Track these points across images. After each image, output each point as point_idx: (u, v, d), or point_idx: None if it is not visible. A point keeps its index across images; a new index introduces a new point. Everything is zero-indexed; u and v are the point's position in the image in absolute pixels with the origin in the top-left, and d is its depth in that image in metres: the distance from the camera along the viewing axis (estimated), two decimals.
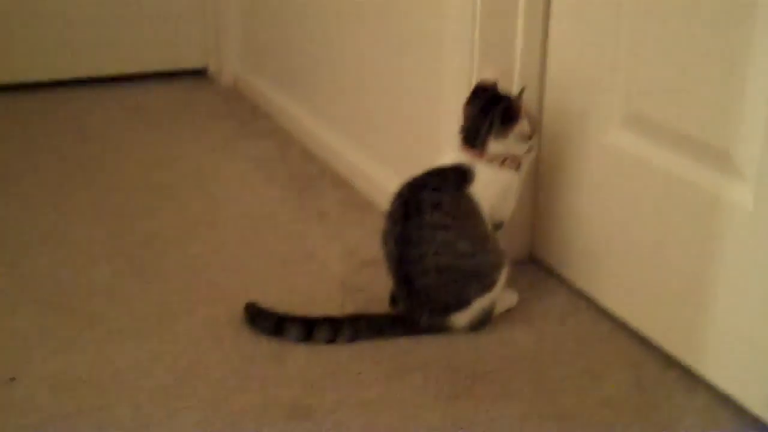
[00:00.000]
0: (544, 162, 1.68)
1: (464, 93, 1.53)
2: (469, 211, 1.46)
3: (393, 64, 1.93)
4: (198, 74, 2.89)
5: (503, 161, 1.48)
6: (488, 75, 1.53)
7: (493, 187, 1.48)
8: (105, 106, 2.62)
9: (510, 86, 1.61)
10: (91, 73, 2.78)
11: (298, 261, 1.74)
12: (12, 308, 1.56)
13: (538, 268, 1.73)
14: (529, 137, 1.49)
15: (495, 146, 1.47)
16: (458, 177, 1.47)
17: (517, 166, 1.50)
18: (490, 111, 1.46)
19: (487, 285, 1.47)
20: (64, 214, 1.92)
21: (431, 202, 1.44)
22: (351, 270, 1.71)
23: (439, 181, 1.47)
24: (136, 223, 1.89)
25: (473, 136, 1.47)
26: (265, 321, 1.49)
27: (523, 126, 1.47)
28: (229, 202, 2.01)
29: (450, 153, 1.51)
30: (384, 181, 1.98)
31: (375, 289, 1.62)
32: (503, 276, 1.49)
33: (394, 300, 1.55)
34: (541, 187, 1.70)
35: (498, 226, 1.52)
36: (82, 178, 2.11)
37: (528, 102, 1.47)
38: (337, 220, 1.92)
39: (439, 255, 1.44)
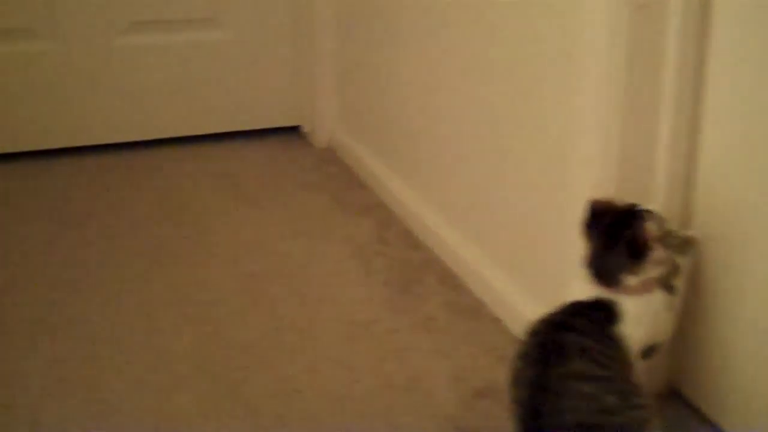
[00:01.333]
0: (690, 283, 1.44)
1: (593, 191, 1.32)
2: (618, 357, 1.25)
3: (511, 144, 1.71)
4: (291, 131, 2.71)
5: (649, 285, 1.27)
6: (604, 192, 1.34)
7: (645, 318, 1.28)
8: (190, 170, 2.46)
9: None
10: (176, 132, 2.62)
11: (400, 386, 1.54)
12: None
13: (679, 404, 1.49)
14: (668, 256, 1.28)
15: (633, 279, 1.26)
16: (602, 316, 1.26)
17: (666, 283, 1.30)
18: (614, 245, 1.25)
19: None
20: (140, 316, 1.76)
21: (577, 348, 1.23)
22: (462, 402, 1.49)
23: (584, 321, 1.26)
24: (221, 330, 1.71)
25: (603, 274, 1.27)
26: None
27: (657, 255, 1.26)
28: (324, 302, 1.81)
29: (583, 284, 1.30)
30: (496, 283, 1.77)
31: (493, 426, 1.41)
32: None
33: None
34: (687, 310, 1.46)
35: (655, 348, 1.32)
36: (161, 266, 1.94)
37: (660, 219, 1.26)
38: (445, 330, 1.71)
39: (582, 410, 1.22)
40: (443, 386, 1.54)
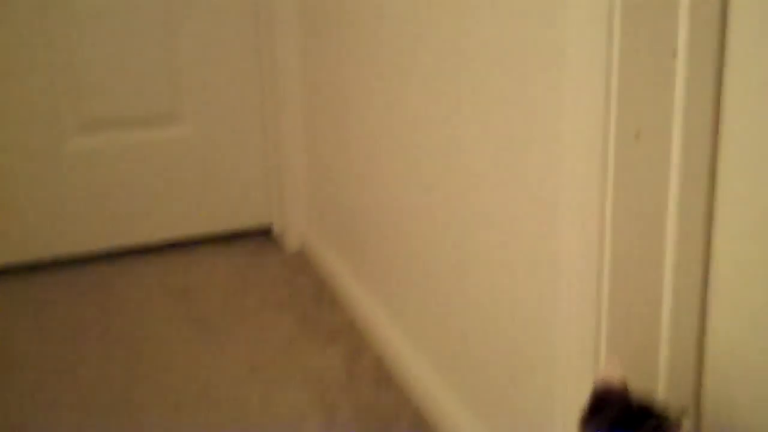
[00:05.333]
0: None
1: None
2: None
3: (490, 278, 1.45)
4: (262, 234, 2.47)
5: None
6: (611, 370, 1.05)
7: None
8: (146, 286, 2.22)
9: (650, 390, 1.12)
10: (132, 240, 2.38)
11: None
12: None
13: None
14: None
15: None
16: None
17: None
18: None
19: None
20: None
21: None
22: None
23: None
24: None
25: None
26: None
27: None
28: None
29: None
30: None
31: None
32: None
33: None
34: None
35: None
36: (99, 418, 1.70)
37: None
38: None
39: None
40: None
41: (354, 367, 1.84)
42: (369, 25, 1.78)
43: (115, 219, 2.35)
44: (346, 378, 1.80)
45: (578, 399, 1.04)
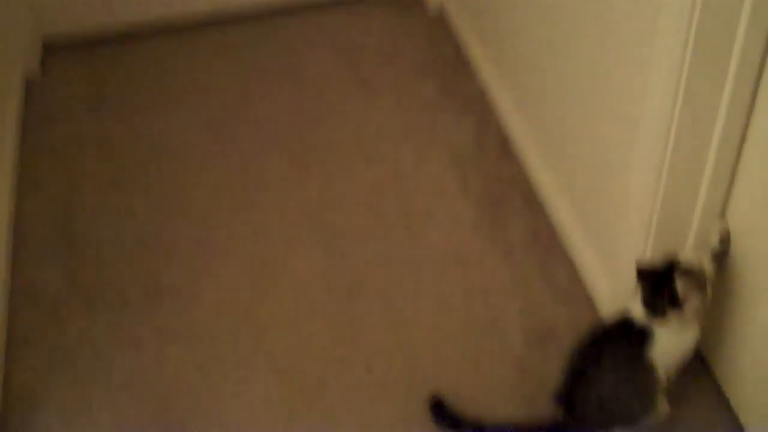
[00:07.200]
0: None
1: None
2: (641, 369, 1.66)
3: (590, 97, 1.87)
4: None
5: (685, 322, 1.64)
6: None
7: (671, 350, 1.67)
8: (312, 40, 2.75)
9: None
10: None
11: (478, 322, 1.97)
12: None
13: (704, 376, 1.86)
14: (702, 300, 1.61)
15: (674, 316, 1.62)
16: (640, 337, 1.65)
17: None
18: (660, 294, 1.62)
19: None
20: (278, 230, 2.20)
21: (612, 354, 1.68)
22: (528, 342, 1.93)
23: (625, 340, 1.68)
24: (346, 255, 2.14)
25: (653, 310, 1.64)
26: (446, 420, 1.80)
27: (690, 305, 1.60)
28: (427, 222, 2.20)
29: (637, 305, 1.66)
30: (570, 220, 2.09)
31: (548, 370, 1.87)
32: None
33: (558, 398, 1.78)
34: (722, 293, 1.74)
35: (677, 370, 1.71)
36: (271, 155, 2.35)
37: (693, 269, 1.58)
38: (522, 263, 2.09)
39: (604, 399, 1.68)
40: (513, 323, 1.96)
41: (482, 138, 2.42)
42: None
43: None
44: (476, 146, 2.39)
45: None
